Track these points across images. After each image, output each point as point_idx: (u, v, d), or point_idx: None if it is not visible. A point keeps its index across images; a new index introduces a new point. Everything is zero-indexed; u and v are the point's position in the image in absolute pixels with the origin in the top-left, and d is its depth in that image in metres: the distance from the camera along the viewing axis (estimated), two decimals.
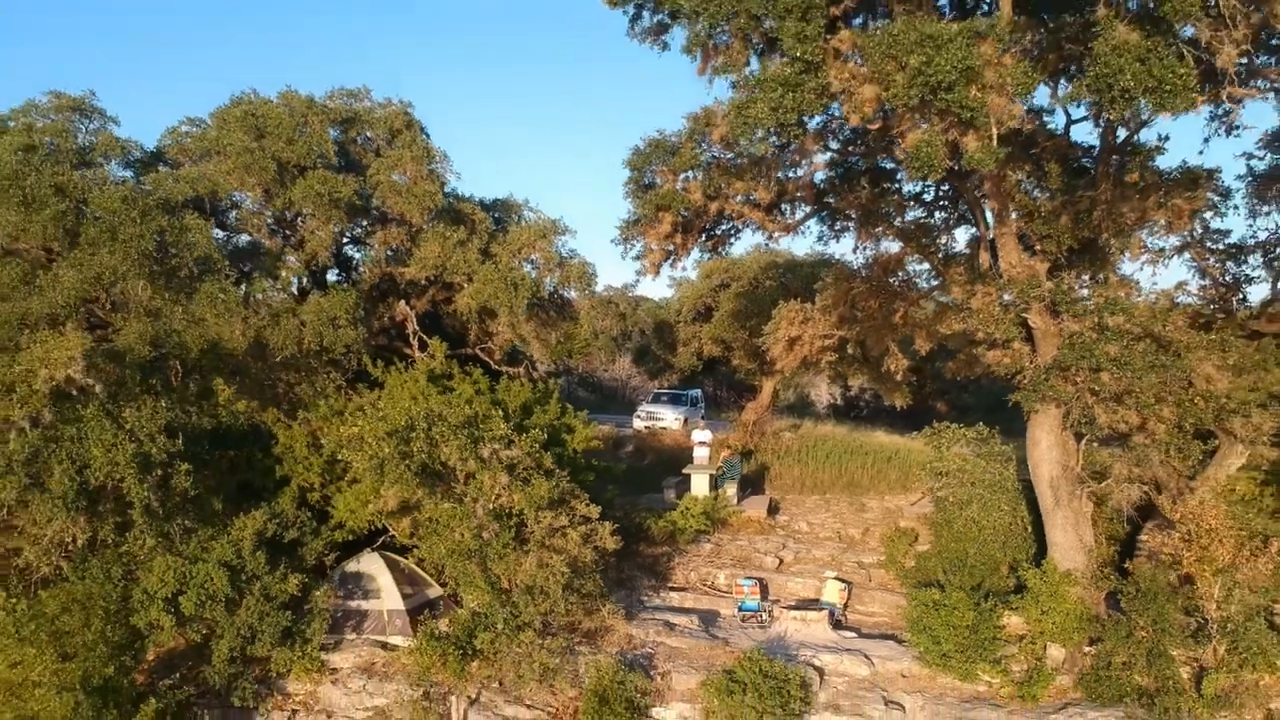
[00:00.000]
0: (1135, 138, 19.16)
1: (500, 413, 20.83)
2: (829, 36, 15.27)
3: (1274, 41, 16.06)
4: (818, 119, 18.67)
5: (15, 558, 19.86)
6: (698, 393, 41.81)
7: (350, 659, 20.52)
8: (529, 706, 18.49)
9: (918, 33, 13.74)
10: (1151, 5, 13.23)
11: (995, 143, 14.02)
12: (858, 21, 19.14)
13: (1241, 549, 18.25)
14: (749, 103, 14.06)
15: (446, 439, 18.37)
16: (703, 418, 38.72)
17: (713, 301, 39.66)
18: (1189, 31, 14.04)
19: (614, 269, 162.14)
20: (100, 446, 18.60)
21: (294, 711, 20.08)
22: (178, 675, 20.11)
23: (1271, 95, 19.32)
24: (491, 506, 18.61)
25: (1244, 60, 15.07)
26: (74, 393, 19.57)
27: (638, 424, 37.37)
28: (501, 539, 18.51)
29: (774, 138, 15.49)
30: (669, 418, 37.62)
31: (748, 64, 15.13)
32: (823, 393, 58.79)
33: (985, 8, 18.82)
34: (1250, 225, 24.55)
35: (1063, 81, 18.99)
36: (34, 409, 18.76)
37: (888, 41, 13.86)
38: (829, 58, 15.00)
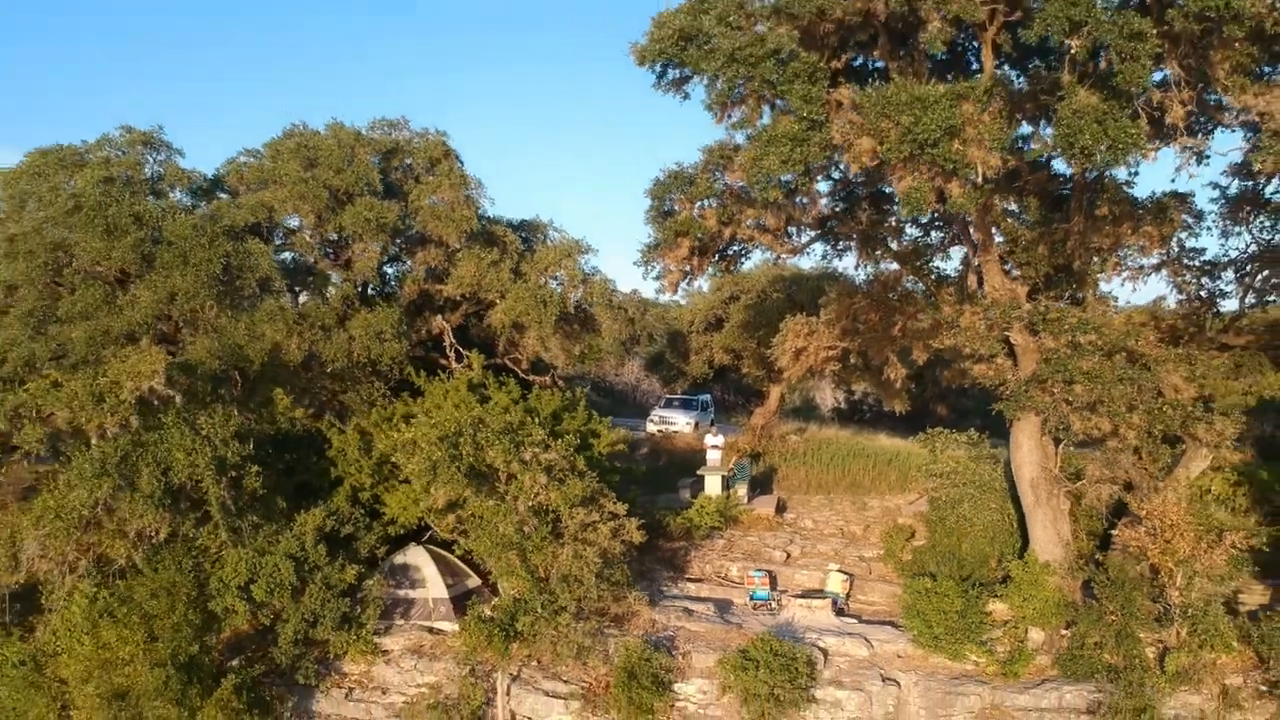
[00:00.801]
0: (1105, 176, 21.31)
1: (535, 420, 23.10)
2: (831, 90, 17.56)
3: (1212, 99, 18.17)
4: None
5: (93, 551, 22.17)
6: (708, 398, 43.95)
7: (400, 641, 22.79)
8: (565, 682, 20.76)
9: (908, 94, 16.00)
10: (1107, 74, 15.42)
11: (976, 188, 16.23)
12: (858, 62, 21.55)
13: (1200, 542, 20.42)
14: (762, 155, 16.32)
15: (491, 443, 20.63)
16: (712, 422, 40.81)
17: (723, 313, 41.89)
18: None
19: (615, 269, 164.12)
20: (181, 450, 20.92)
21: (350, 689, 22.38)
22: (244, 655, 22.41)
23: (1238, 127, 21.56)
24: (531, 504, 20.86)
25: (1194, 111, 17.29)
26: (155, 402, 21.92)
27: (651, 428, 39.48)
28: (540, 533, 20.77)
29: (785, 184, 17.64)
30: (681, 422, 39.71)
31: (761, 117, 17.36)
32: (827, 397, 60.76)
33: (972, 58, 21.08)
34: (1223, 245, 26.64)
35: (1042, 123, 21.18)
36: (122, 417, 21.07)
37: (882, 102, 16.11)
38: (832, 111, 17.26)
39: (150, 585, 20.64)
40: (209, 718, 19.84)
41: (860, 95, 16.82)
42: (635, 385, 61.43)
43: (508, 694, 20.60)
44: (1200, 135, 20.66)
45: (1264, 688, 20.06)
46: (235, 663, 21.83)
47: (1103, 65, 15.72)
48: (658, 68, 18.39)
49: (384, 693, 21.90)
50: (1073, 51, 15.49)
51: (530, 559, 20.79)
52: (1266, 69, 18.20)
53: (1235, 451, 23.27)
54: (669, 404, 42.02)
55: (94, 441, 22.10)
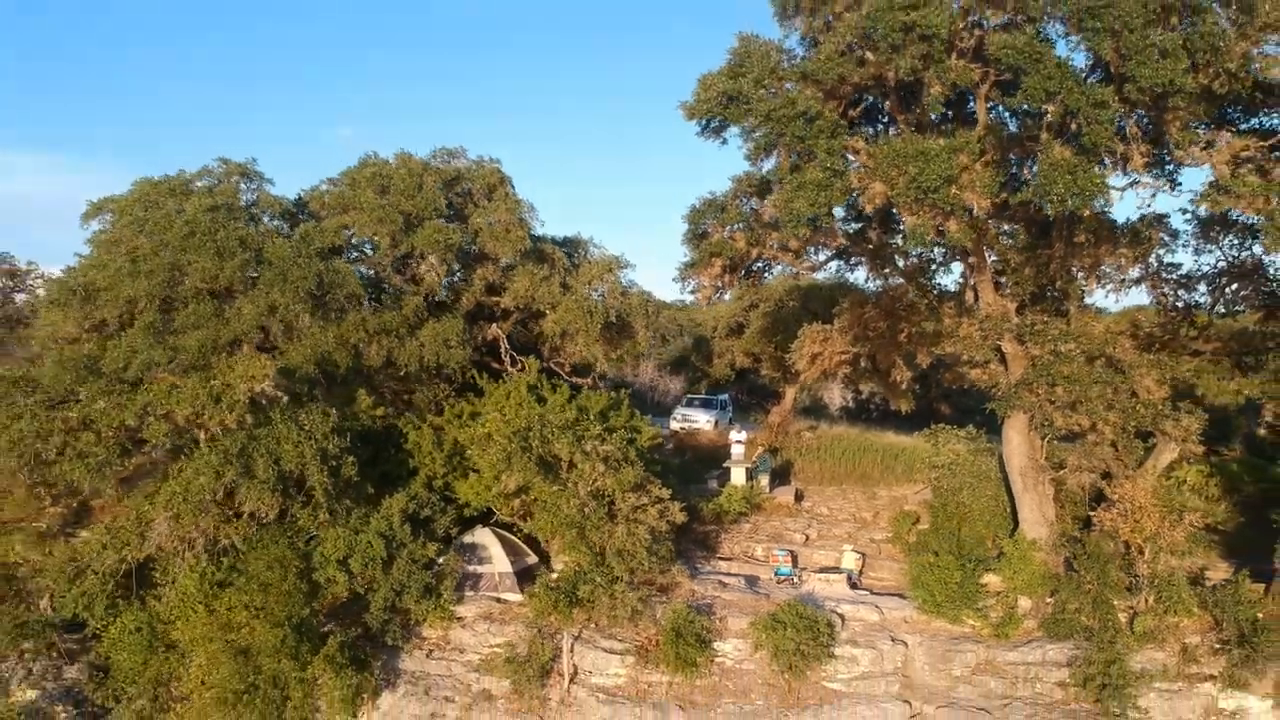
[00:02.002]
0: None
1: (588, 417, 26.54)
2: (848, 138, 21.00)
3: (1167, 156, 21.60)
4: None
5: (205, 531, 25.58)
6: (726, 398, 47.34)
7: (473, 610, 26.25)
8: (620, 641, 24.21)
9: (914, 148, 19.43)
10: (1078, 133, 18.82)
11: (971, 225, 19.65)
12: (868, 105, 24.95)
13: (1164, 521, 23.80)
14: (793, 198, 19.73)
15: (557, 437, 24.09)
16: (731, 421, 44.20)
17: (744, 319, 45.32)
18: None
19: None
20: (289, 443, 24.37)
21: (430, 650, 25.85)
22: (342, 620, 25.83)
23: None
24: (590, 489, 24.32)
25: (1152, 161, 20.73)
26: (264, 402, 25.38)
27: (674, 425, 42.84)
28: (598, 513, 24.23)
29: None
30: (702, 420, 43.08)
31: (795, 169, 20.76)
32: (835, 397, 64.11)
33: (970, 101, 24.46)
34: (1196, 261, 29.88)
35: (1029, 161, 24.58)
36: (238, 415, 24.53)
37: (891, 154, 19.55)
38: (849, 154, 20.70)
39: (265, 558, 24.13)
40: (318, 670, 23.37)
41: (873, 148, 20.26)
42: (653, 385, 64.87)
43: (571, 651, 24.05)
44: (1167, 172, 24.10)
45: (1217, 646, 23.46)
46: (329, 627, 25.30)
47: (1073, 126, 19.08)
48: (703, 121, 21.81)
49: (461, 652, 25.35)
50: (1049, 115, 18.90)
51: (589, 536, 24.25)
52: (1212, 123, 21.66)
53: (1200, 444, 26.61)
54: (690, 403, 45.38)
55: (201, 437, 25.60)
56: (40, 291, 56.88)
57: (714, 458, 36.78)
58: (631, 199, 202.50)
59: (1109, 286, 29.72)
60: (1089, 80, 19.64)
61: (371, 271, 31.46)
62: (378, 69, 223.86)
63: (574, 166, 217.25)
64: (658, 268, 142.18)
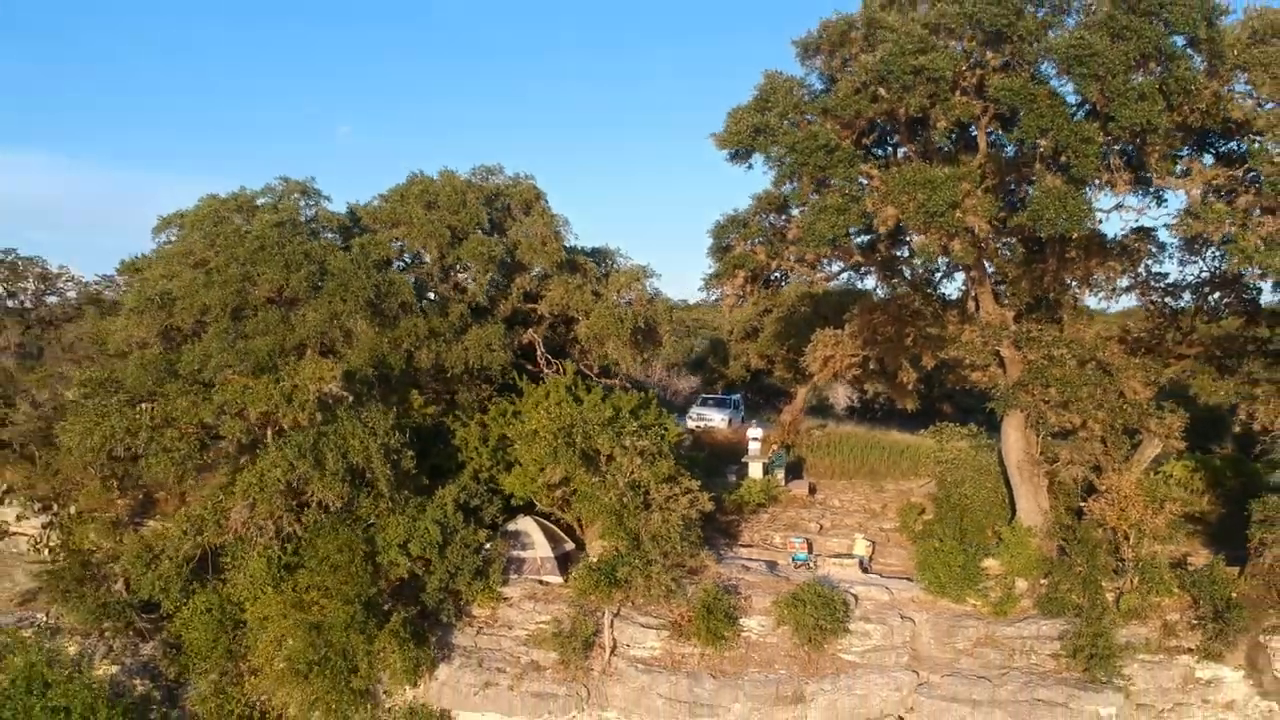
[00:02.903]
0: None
1: (623, 415, 29.06)
2: (864, 164, 23.56)
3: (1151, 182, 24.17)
4: None
5: (275, 519, 28.06)
6: (738, 398, 49.88)
7: (518, 591, 28.80)
8: (655, 617, 26.76)
9: (922, 176, 21.98)
10: (1068, 164, 21.34)
11: (973, 245, 22.19)
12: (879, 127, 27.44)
13: (1147, 509, 26.33)
14: (815, 221, 22.28)
15: (598, 433, 26.65)
16: (743, 419, 46.69)
17: (758, 324, 47.89)
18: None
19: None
20: (356, 439, 26.90)
21: (480, 627, 28.40)
22: (397, 600, 28.35)
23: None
24: (627, 480, 26.84)
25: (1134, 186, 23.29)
26: (329, 401, 27.91)
27: (690, 423, 45.31)
28: (634, 502, 26.77)
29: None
30: (716, 418, 45.56)
31: (815, 191, 23.30)
32: (840, 396, 66.61)
33: (970, 136, 27.00)
34: (1180, 271, 32.32)
35: (1025, 185, 27.11)
36: (309, 413, 27.06)
37: (902, 182, 22.09)
38: (864, 178, 23.24)
39: (335, 542, 26.66)
40: (383, 643, 25.88)
41: (886, 174, 22.81)
42: (663, 385, 67.34)
43: (612, 626, 26.60)
44: (1152, 193, 26.62)
45: (1195, 622, 26.04)
46: (395, 605, 27.81)
47: (1064, 158, 21.60)
48: (732, 150, 24.37)
49: (509, 629, 27.91)
50: (1042, 148, 21.45)
51: (627, 522, 26.79)
52: (1191, 149, 24.22)
53: (1183, 441, 29.07)
54: (705, 402, 47.87)
55: (268, 434, 28.14)
56: (71, 294, 59.82)
57: (729, 454, 39.24)
58: (627, 198, 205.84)
59: (1100, 295, 32.33)
60: (1077, 116, 22.20)
61: (418, 280, 33.99)
62: (377, 69, 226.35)
63: (574, 164, 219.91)
64: (659, 266, 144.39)
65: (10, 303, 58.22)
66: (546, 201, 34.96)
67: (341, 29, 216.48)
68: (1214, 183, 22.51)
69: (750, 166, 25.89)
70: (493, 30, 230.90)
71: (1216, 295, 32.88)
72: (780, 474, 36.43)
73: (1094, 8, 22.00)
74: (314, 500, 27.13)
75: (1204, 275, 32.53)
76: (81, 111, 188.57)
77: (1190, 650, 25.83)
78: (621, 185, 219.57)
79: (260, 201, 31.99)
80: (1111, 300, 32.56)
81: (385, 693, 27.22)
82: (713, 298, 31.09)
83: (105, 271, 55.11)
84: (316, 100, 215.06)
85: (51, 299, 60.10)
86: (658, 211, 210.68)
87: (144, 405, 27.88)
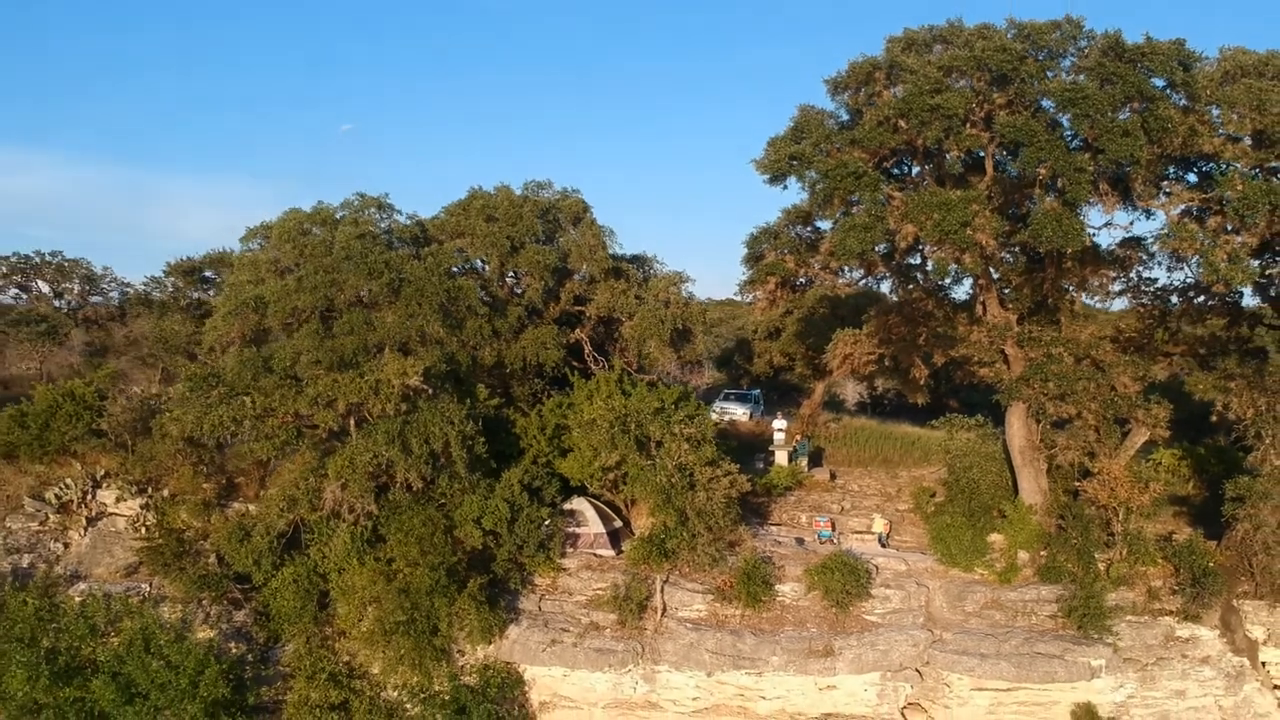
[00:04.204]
0: None
1: (668, 406, 32.65)
2: (886, 186, 27.15)
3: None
4: None
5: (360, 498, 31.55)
6: (758, 393, 53.46)
7: (575, 563, 32.35)
8: (700, 584, 30.37)
9: (938, 199, 25.54)
10: (1063, 190, 24.90)
11: (981, 257, 25.76)
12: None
13: (1134, 489, 29.87)
14: (845, 238, 25.85)
15: (650, 421, 30.26)
16: (763, 413, 50.13)
17: (780, 324, 51.52)
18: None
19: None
20: (436, 426, 30.48)
21: (543, 594, 31.96)
22: (470, 570, 31.88)
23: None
24: (675, 463, 30.44)
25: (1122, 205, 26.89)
26: (410, 394, 31.49)
27: (714, 416, 48.76)
28: (681, 482, 30.37)
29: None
30: (738, 411, 49.07)
31: (844, 212, 26.86)
32: (849, 392, 70.10)
33: (978, 157, 30.56)
34: (1169, 276, 35.62)
35: (1028, 203, 30.65)
36: (394, 404, 30.64)
37: (920, 203, 25.65)
38: (886, 200, 26.82)
39: (420, 517, 30.23)
40: (462, 604, 29.42)
41: (906, 196, 26.39)
42: (684, 381, 70.90)
43: (662, 591, 30.24)
44: (1140, 212, 30.16)
45: (1175, 588, 29.61)
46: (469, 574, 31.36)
47: (1059, 184, 25.16)
48: (771, 174, 27.98)
49: (570, 595, 31.49)
50: (1041, 175, 25.03)
51: (675, 501, 30.39)
52: (1174, 172, 27.77)
53: (1166, 429, 32.56)
54: (727, 397, 51.40)
55: (351, 424, 31.71)
56: (113, 295, 63.59)
57: (752, 444, 42.69)
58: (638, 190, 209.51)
59: (1096, 298, 35.93)
60: (1074, 145, 25.76)
61: (480, 285, 37.61)
62: (378, 68, 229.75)
63: (575, 157, 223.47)
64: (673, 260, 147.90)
65: (58, 303, 62.02)
66: (593, 214, 38.62)
67: (343, 30, 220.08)
68: (1191, 205, 26.08)
69: (785, 187, 29.47)
70: (494, 31, 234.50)
71: (1201, 299, 36.45)
72: (804, 461, 39.99)
73: (1086, 53, 25.55)
74: (399, 480, 30.73)
75: (1189, 281, 36.16)
76: (65, 105, 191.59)
77: (1171, 612, 29.39)
78: (622, 184, 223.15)
79: (339, 215, 35.59)
80: (1107, 302, 36.16)
81: (459, 651, 30.74)
82: (747, 300, 34.62)
83: (105, 266, 58.87)
84: (319, 96, 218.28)
85: (95, 299, 63.87)
86: (658, 211, 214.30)
87: (244, 398, 31.49)
